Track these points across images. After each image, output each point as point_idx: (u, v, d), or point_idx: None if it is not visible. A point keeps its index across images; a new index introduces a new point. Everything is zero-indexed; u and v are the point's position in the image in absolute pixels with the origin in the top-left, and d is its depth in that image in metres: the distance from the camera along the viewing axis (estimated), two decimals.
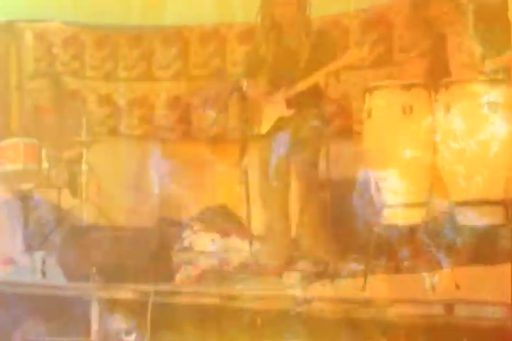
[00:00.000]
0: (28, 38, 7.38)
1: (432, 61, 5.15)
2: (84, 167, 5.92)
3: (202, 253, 5.57)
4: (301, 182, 4.98)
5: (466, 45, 4.68)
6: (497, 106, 4.04)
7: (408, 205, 4.34)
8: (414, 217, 4.38)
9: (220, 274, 4.83)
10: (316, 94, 4.96)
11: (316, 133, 4.94)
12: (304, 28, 4.98)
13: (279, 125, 5.01)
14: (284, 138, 5.00)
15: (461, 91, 4.13)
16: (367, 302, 3.96)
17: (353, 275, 4.45)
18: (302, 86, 4.89)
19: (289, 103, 4.98)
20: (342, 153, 5.87)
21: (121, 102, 7.40)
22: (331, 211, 4.82)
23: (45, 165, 5.93)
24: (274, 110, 5.03)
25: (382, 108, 4.37)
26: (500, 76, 4.21)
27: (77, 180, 5.94)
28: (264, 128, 5.07)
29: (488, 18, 4.62)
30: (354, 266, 4.57)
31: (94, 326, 4.66)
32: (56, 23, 7.28)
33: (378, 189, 4.37)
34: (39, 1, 6.78)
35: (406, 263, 4.47)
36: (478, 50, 4.62)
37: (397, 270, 4.49)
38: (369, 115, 4.41)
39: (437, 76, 4.58)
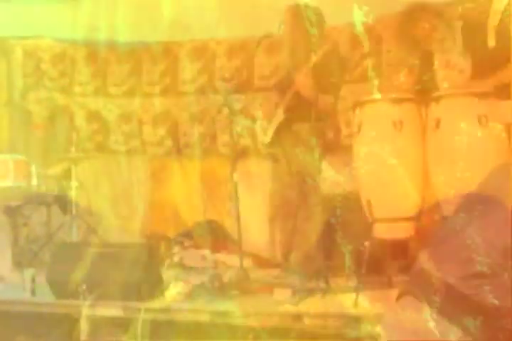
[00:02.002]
0: (18, 54, 7.38)
1: (419, 76, 5.16)
2: (73, 183, 5.88)
3: (192, 269, 5.54)
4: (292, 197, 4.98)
5: (453, 61, 4.69)
6: (487, 120, 4.04)
7: (399, 219, 4.33)
8: (406, 232, 4.37)
9: (211, 290, 4.79)
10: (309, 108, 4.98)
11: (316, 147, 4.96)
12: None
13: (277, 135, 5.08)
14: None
15: (451, 105, 4.13)
16: (359, 319, 3.94)
17: (345, 290, 4.43)
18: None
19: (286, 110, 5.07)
20: (331, 167, 5.87)
21: (110, 118, 7.39)
22: (322, 225, 4.82)
23: (34, 181, 5.91)
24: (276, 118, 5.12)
25: (372, 122, 4.36)
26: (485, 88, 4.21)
27: (66, 196, 5.91)
28: (268, 137, 5.15)
29: (475, 34, 4.62)
30: (346, 281, 4.55)
31: None
32: (46, 40, 7.29)
33: (369, 203, 4.35)
34: (29, 18, 6.78)
35: (398, 278, 4.44)
36: (465, 66, 4.62)
37: (390, 285, 4.47)
38: (359, 129, 4.40)
39: (426, 91, 4.58)
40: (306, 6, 5.15)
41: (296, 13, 5.11)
